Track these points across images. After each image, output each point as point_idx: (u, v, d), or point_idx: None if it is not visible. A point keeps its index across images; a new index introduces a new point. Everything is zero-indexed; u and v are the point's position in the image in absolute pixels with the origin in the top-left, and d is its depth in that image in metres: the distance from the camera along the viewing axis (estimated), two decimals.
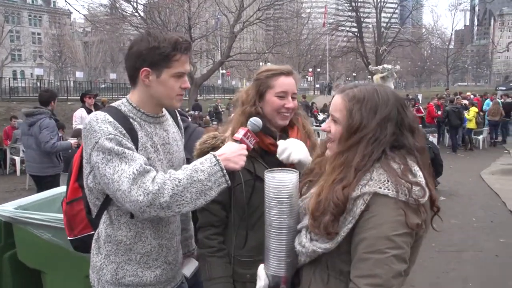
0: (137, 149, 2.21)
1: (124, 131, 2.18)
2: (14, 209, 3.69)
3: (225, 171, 2.13)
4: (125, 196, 2.04)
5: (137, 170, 2.05)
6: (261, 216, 2.30)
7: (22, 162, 13.82)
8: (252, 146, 2.30)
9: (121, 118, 2.24)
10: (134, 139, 2.22)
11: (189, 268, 2.83)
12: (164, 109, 2.51)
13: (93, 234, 2.46)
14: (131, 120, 2.28)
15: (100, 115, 2.19)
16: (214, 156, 2.15)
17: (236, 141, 2.26)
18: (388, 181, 1.76)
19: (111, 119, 2.18)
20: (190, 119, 4.56)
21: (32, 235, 3.58)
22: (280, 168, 2.14)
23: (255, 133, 2.33)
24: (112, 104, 2.39)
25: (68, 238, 2.68)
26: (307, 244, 1.92)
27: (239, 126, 2.45)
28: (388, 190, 1.74)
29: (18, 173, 14.33)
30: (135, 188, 2.02)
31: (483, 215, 9.28)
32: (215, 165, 2.12)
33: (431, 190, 1.83)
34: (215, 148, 2.48)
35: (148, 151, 2.29)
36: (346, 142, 1.89)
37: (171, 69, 2.25)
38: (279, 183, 2.02)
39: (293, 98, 2.54)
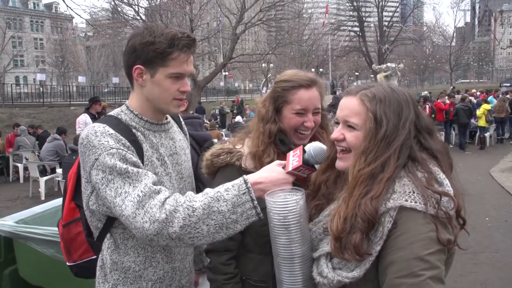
0: (142, 163, 1.95)
1: (127, 143, 1.92)
2: (15, 223, 3.53)
3: (256, 202, 1.77)
4: (129, 222, 1.76)
5: (142, 191, 1.77)
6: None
7: (25, 169, 13.79)
8: (305, 176, 1.92)
9: (123, 129, 1.98)
10: (139, 152, 1.96)
11: (206, 285, 2.62)
12: (168, 116, 2.24)
13: (95, 259, 2.18)
14: (133, 130, 2.02)
15: (98, 128, 1.92)
16: (245, 183, 1.79)
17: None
18: (413, 192, 1.57)
19: (111, 130, 1.91)
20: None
21: (33, 250, 3.41)
22: (281, 188, 1.82)
23: (310, 166, 1.87)
24: (111, 113, 2.11)
25: (67, 264, 2.39)
26: (329, 274, 1.68)
27: (263, 146, 2.19)
28: (415, 202, 1.55)
29: (21, 180, 14.22)
30: (140, 213, 1.73)
31: (496, 215, 9.09)
32: (244, 193, 1.76)
33: (458, 198, 1.63)
34: (229, 165, 2.24)
35: (155, 165, 2.03)
36: (372, 151, 1.67)
37: (167, 69, 1.97)
38: (283, 207, 1.74)
39: (315, 113, 2.23)
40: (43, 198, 11.31)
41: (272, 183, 1.82)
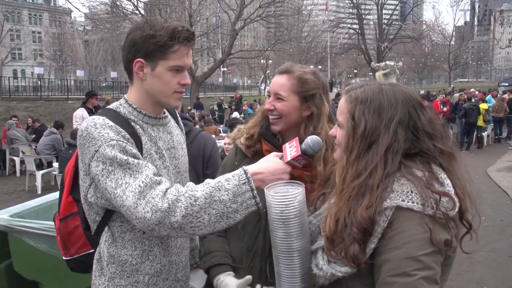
0: (141, 156, 1.94)
1: (127, 135, 1.92)
2: (10, 216, 3.51)
3: (255, 191, 1.80)
4: (131, 212, 1.77)
5: (143, 182, 1.78)
6: (246, 226, 2.22)
7: (22, 162, 13.76)
8: (300, 166, 1.96)
9: (122, 121, 1.98)
10: (138, 145, 1.96)
11: (198, 280, 2.62)
12: (165, 110, 2.24)
13: (92, 253, 2.17)
14: (132, 123, 2.02)
15: (98, 120, 1.92)
16: (245, 173, 1.83)
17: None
18: (411, 192, 1.55)
19: (111, 123, 1.91)
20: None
21: (27, 245, 3.40)
22: (281, 182, 1.86)
23: (308, 156, 1.92)
24: (110, 107, 2.11)
25: (64, 258, 2.36)
26: (324, 267, 1.70)
27: (255, 124, 2.35)
28: (413, 203, 1.53)
29: (17, 173, 14.22)
30: (142, 203, 1.74)
31: (492, 214, 9.09)
32: (244, 183, 1.79)
33: (461, 200, 1.60)
34: (235, 140, 2.40)
35: (153, 158, 2.03)
36: (353, 150, 1.68)
37: (168, 62, 1.98)
38: (281, 201, 1.75)
39: (278, 99, 2.25)
40: (39, 192, 11.31)
41: (271, 173, 1.86)
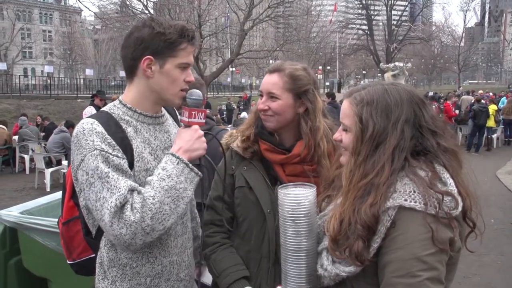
0: (133, 161, 1.96)
1: (113, 143, 1.90)
2: (19, 213, 3.54)
3: (190, 164, 1.95)
4: (107, 229, 1.82)
5: (120, 202, 1.80)
6: (251, 228, 2.24)
7: (31, 160, 13.83)
8: (204, 121, 2.09)
9: (113, 125, 1.97)
10: (128, 150, 1.96)
11: (209, 276, 2.61)
12: (163, 109, 2.23)
13: (93, 258, 2.18)
14: (124, 126, 2.01)
15: (87, 125, 1.91)
16: (173, 155, 1.95)
17: (186, 126, 2.05)
18: (414, 191, 1.55)
19: (99, 128, 1.90)
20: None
21: (36, 242, 3.44)
22: (294, 183, 1.91)
23: (199, 106, 2.08)
24: (104, 108, 2.10)
25: (68, 262, 2.41)
26: (329, 267, 1.72)
27: (248, 125, 2.36)
28: (415, 202, 1.53)
29: (27, 171, 14.29)
30: (115, 222, 1.79)
31: (502, 217, 9.00)
32: (177, 163, 1.92)
33: (464, 199, 1.60)
34: (229, 145, 2.39)
35: (146, 161, 2.01)
36: (361, 152, 1.68)
37: (177, 59, 2.00)
38: (293, 200, 1.81)
39: (272, 98, 2.23)
40: (48, 189, 11.39)
41: (187, 141, 1.99)
